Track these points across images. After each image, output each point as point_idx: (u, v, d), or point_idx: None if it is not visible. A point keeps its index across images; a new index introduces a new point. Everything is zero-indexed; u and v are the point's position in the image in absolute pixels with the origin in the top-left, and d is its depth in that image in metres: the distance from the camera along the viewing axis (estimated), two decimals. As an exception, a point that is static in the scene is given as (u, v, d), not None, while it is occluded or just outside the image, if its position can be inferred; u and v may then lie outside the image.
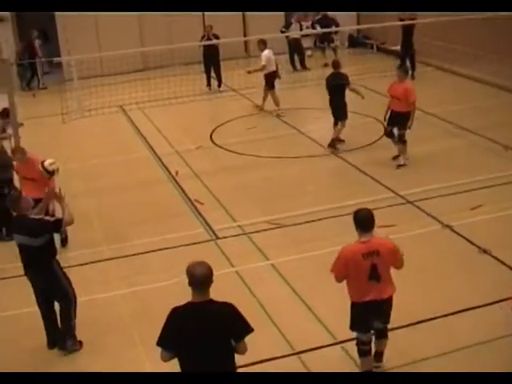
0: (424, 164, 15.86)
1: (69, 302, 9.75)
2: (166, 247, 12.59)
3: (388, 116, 15.84)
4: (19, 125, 15.11)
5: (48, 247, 9.49)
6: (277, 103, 20.92)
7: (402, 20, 23.14)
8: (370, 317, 8.51)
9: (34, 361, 9.67)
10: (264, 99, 21.31)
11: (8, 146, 14.93)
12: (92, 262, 12.32)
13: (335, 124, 17.21)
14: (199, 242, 12.81)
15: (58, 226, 9.55)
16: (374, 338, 8.82)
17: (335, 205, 13.79)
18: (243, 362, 8.74)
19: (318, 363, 9.17)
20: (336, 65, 17.25)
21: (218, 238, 13.02)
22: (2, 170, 13.36)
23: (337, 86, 16.87)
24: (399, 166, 15.73)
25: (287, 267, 11.67)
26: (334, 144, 17.13)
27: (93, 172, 16.97)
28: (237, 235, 13.11)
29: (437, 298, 10.46)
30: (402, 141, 15.75)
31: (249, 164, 16.80)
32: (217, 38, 23.48)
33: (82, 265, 12.21)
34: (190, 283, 6.77)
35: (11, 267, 11.43)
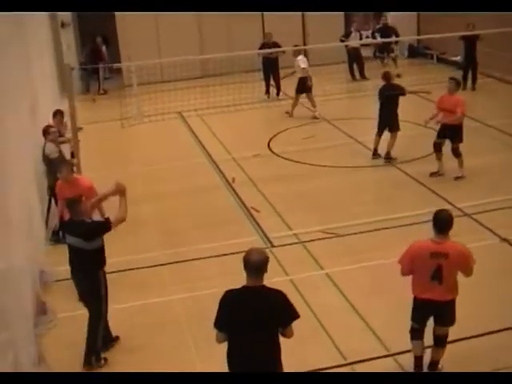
0: (482, 176, 15.71)
1: (99, 316, 9.72)
2: (222, 254, 12.67)
3: (439, 129, 15.74)
4: (78, 129, 15.40)
5: (99, 253, 9.61)
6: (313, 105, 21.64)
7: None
8: (428, 315, 8.72)
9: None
10: (294, 105, 21.96)
11: (67, 149, 15.21)
12: (148, 267, 12.47)
13: (379, 135, 17.17)
14: (254, 250, 12.87)
15: (109, 226, 9.61)
16: (433, 345, 8.97)
17: (392, 216, 13.76)
18: (295, 369, 8.83)
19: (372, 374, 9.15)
20: (387, 77, 17.17)
21: (273, 245, 13.07)
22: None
23: (390, 97, 16.80)
24: (457, 177, 15.61)
25: (342, 277, 11.66)
26: (389, 155, 17.08)
27: (151, 176, 17.18)
28: (292, 243, 13.14)
29: (493, 313, 10.35)
30: (457, 154, 15.63)
31: (306, 173, 16.83)
32: (277, 45, 23.50)
33: (138, 268, 12.38)
34: (245, 268, 7.14)
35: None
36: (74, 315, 10.82)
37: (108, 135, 20.96)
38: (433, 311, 8.67)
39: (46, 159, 13.53)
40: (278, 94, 24.53)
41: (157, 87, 24.40)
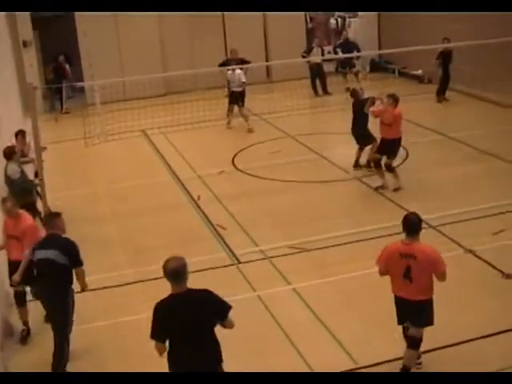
0: (446, 188, 15.89)
1: (65, 334, 9.75)
2: (189, 271, 12.62)
3: (378, 146, 16.16)
4: (42, 149, 15.31)
5: (70, 269, 9.64)
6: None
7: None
8: (402, 312, 9.11)
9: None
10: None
11: (31, 170, 15.12)
12: (115, 286, 12.43)
13: (361, 149, 17.33)
14: (221, 267, 12.90)
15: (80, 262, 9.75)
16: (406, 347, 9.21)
17: (357, 229, 13.84)
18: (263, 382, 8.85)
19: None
20: (355, 94, 17.41)
21: (239, 262, 13.08)
22: (23, 195, 13.38)
23: (357, 113, 17.01)
24: (396, 189, 15.90)
25: (309, 292, 11.71)
26: (370, 164, 17.22)
27: (116, 195, 17.13)
28: (259, 259, 13.16)
29: (461, 322, 10.44)
30: (390, 169, 16.03)
31: (271, 188, 16.89)
32: (244, 62, 23.56)
33: (105, 288, 12.32)
34: (165, 277, 7.46)
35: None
36: (41, 336, 10.78)
37: (72, 154, 20.88)
38: (406, 309, 9.02)
39: (8, 180, 13.43)
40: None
41: (120, 105, 24.37)
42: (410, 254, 8.75)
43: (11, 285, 10.91)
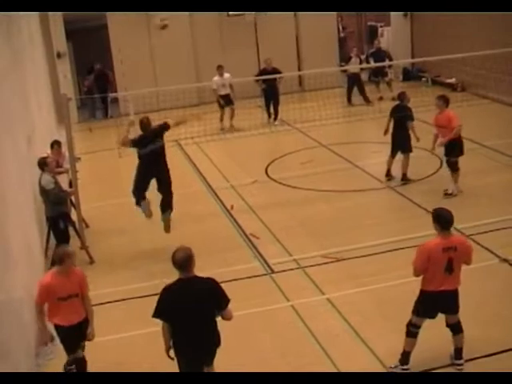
0: (481, 197, 15.71)
1: None
2: (222, 281, 12.48)
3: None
4: (76, 159, 15.39)
5: None
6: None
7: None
8: (441, 306, 9.42)
9: None
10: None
11: (66, 180, 15.19)
12: (151, 295, 12.40)
13: (393, 157, 17.17)
14: (255, 276, 12.86)
15: None
16: (452, 336, 9.55)
17: (392, 238, 13.74)
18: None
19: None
20: (402, 97, 17.22)
21: (273, 272, 13.03)
22: (57, 205, 13.49)
23: (402, 118, 16.87)
24: (447, 194, 15.70)
25: (343, 302, 11.62)
26: (406, 177, 17.15)
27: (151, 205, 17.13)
28: (292, 269, 13.10)
29: (497, 333, 10.30)
30: (453, 168, 15.75)
31: (304, 198, 16.82)
32: (276, 71, 23.71)
33: (139, 297, 12.31)
34: (174, 266, 8.14)
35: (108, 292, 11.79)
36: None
37: (106, 165, 20.98)
38: (445, 302, 9.36)
39: (43, 190, 13.52)
40: (275, 119, 24.56)
41: (153, 116, 24.33)
42: (451, 247, 9.16)
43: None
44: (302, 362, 10.03)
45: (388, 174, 17.44)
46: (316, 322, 11.08)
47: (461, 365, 9.55)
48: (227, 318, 8.33)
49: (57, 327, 9.45)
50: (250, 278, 12.75)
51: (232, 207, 16.47)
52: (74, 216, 14.59)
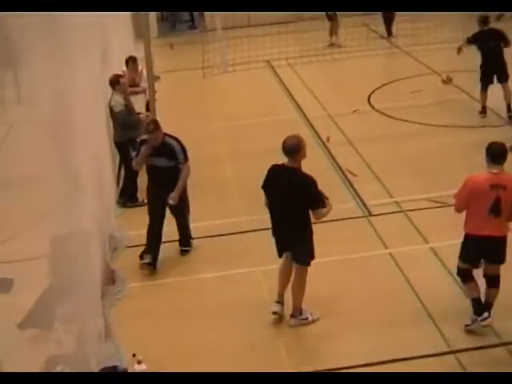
0: None
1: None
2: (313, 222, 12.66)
3: None
4: (155, 78, 15.51)
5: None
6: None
7: None
8: (482, 252, 9.35)
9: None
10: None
11: (142, 102, 15.33)
12: (231, 234, 12.64)
13: (485, 91, 17.21)
14: (349, 218, 12.88)
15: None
16: (485, 288, 9.53)
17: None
18: (390, 357, 8.87)
19: (478, 365, 9.05)
20: (485, 21, 17.12)
21: (371, 214, 13.06)
22: (127, 130, 13.71)
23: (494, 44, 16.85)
24: None
25: (448, 252, 11.46)
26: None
27: (235, 134, 17.28)
28: (393, 212, 13.11)
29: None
30: None
31: (411, 132, 16.69)
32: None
33: (220, 235, 12.57)
34: (282, 151, 9.73)
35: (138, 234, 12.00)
36: (144, 285, 11.10)
37: (187, 86, 21.15)
38: (487, 249, 9.27)
39: (111, 112, 13.70)
40: (389, 35, 24.27)
41: (243, 32, 24.40)
42: (500, 185, 9.00)
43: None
44: (397, 317, 10.07)
45: (483, 112, 17.37)
46: (416, 273, 11.03)
47: (485, 319, 9.42)
48: (317, 217, 9.76)
49: None
50: (344, 219, 12.71)
51: (328, 139, 16.43)
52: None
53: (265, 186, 10.00)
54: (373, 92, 19.57)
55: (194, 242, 12.18)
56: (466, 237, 9.38)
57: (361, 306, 10.34)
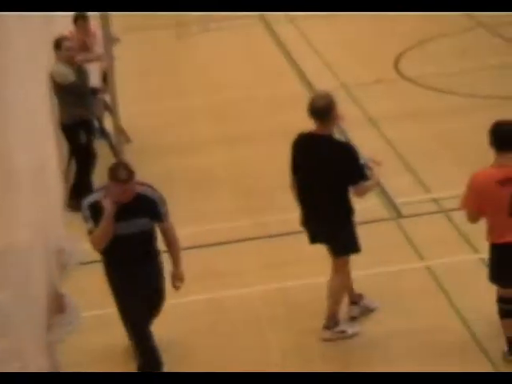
0: None
1: None
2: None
3: None
4: (114, 41, 15.49)
5: None
6: None
7: None
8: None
9: None
10: None
11: (96, 71, 15.31)
12: (219, 243, 12.68)
13: None
14: (373, 221, 12.90)
15: None
16: None
17: None
18: None
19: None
20: None
21: (401, 215, 13.13)
22: (75, 107, 13.77)
23: None
24: None
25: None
26: None
27: (222, 111, 17.34)
28: (430, 213, 13.19)
29: None
30: None
31: (454, 107, 16.78)
32: None
33: (205, 246, 12.63)
34: (310, 115, 9.72)
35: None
36: (105, 314, 11.09)
37: (158, 50, 21.22)
38: None
39: (57, 87, 13.64)
40: None
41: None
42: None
43: None
44: (440, 351, 10.08)
45: None
46: (464, 293, 11.00)
47: None
48: (361, 193, 10.00)
49: None
50: (366, 223, 12.65)
51: (343, 118, 16.44)
52: (108, 125, 14.79)
53: (293, 164, 10.08)
54: (401, 54, 19.61)
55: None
56: (494, 248, 9.36)
57: (391, 335, 10.36)
